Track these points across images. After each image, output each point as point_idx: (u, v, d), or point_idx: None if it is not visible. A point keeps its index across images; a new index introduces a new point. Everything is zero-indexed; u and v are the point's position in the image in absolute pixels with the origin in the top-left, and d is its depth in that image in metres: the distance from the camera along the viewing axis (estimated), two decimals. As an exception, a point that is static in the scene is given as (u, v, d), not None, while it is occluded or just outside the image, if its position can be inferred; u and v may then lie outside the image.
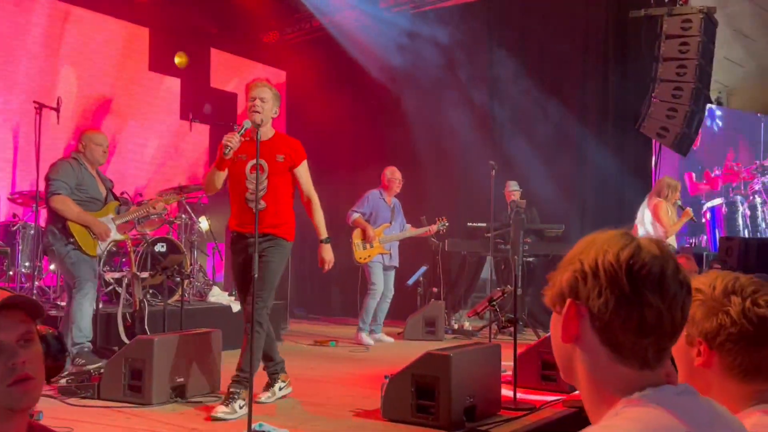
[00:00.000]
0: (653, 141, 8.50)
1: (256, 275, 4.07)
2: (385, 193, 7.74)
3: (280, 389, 4.75)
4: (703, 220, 10.83)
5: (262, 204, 4.46)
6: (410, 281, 8.56)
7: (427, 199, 9.31)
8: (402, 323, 8.16)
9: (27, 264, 6.80)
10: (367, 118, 10.21)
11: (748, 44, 11.20)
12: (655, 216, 7.27)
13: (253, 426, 3.79)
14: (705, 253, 7.53)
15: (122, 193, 6.76)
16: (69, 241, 5.41)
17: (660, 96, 7.67)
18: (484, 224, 8.55)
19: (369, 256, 7.50)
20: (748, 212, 10.87)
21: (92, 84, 8.73)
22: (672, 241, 7.36)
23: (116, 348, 5.43)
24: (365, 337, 7.47)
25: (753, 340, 1.48)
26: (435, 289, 8.59)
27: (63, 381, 4.96)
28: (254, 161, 4.36)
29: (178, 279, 5.98)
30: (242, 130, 4.42)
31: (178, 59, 9.23)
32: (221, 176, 4.58)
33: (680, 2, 8.15)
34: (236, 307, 7.01)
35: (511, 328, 5.07)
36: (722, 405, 1.49)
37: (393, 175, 7.75)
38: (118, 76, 9.01)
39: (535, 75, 9.18)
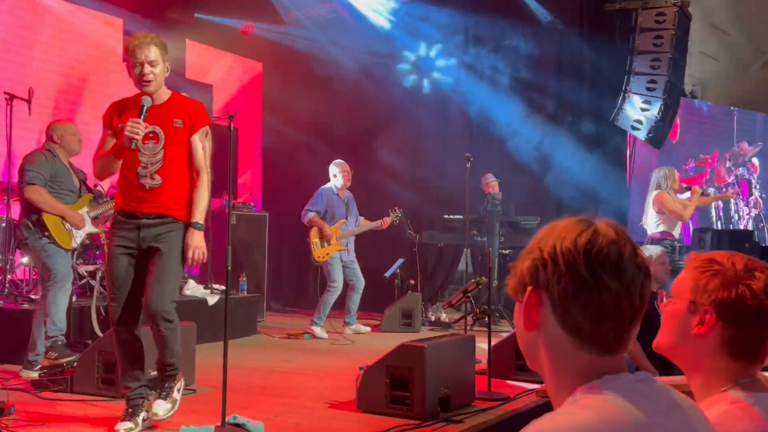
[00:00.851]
0: (628, 134, 8.57)
1: (229, 268, 3.99)
2: (337, 188, 7.69)
3: (178, 390, 4.07)
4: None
5: (157, 179, 3.86)
6: (387, 273, 8.57)
7: (402, 192, 9.31)
8: (379, 315, 8.18)
9: (-1, 257, 6.71)
10: (343, 111, 10.20)
11: (722, 38, 11.31)
12: (664, 207, 7.01)
13: (227, 419, 3.78)
14: (679, 245, 7.61)
15: (96, 186, 6.69)
16: (44, 234, 5.34)
17: (634, 89, 7.74)
18: (461, 216, 8.58)
19: (327, 254, 7.46)
20: (721, 204, 10.99)
21: (65, 75, 8.63)
22: (675, 231, 7.17)
23: (90, 341, 5.39)
24: (319, 331, 7.46)
25: (765, 317, 1.51)
26: (412, 281, 8.62)
27: (36, 375, 4.93)
28: (149, 129, 3.82)
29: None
30: (144, 113, 3.79)
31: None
32: (119, 162, 3.92)
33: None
34: (212, 300, 6.99)
35: (487, 319, 5.10)
36: (705, 379, 1.52)
37: (343, 170, 7.61)
38: (92, 67, 8.91)
39: (511, 67, 9.23)
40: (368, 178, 8.39)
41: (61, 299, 5.33)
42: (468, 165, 7.35)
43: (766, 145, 11.97)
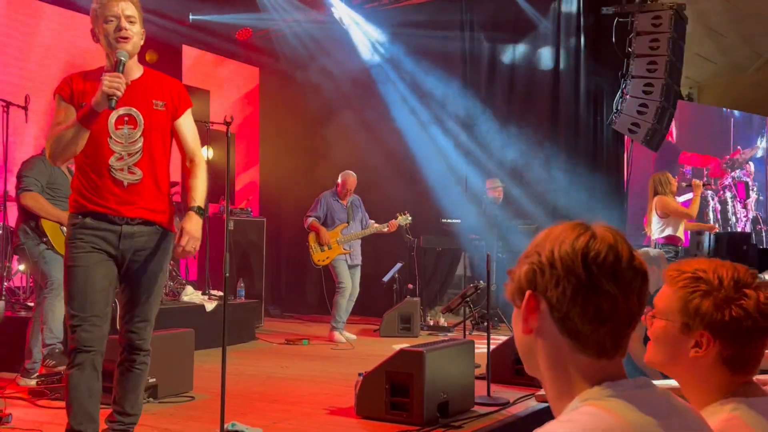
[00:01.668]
0: (625, 137, 8.57)
1: (227, 274, 3.92)
2: (339, 195, 7.73)
3: None
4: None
5: (137, 173, 3.15)
6: (386, 278, 8.56)
7: (401, 197, 9.29)
8: (378, 320, 8.16)
9: (-5, 265, 6.69)
10: (340, 115, 10.19)
11: (718, 40, 11.34)
12: (668, 210, 7.10)
13: (226, 426, 3.77)
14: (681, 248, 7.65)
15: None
16: (42, 241, 5.33)
17: (631, 92, 7.74)
18: (459, 221, 8.57)
19: (327, 258, 7.50)
20: (718, 207, 11.01)
21: (62, 82, 8.62)
22: (680, 233, 7.19)
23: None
24: (339, 336, 7.46)
25: (762, 333, 1.50)
26: (410, 286, 8.61)
27: (33, 383, 4.91)
28: (122, 111, 3.13)
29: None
30: (122, 67, 3.08)
31: (148, 57, 9.13)
32: (85, 136, 3.07)
33: (650, -1, 8.22)
34: (210, 306, 6.97)
35: (486, 324, 5.09)
36: (703, 391, 1.52)
37: (344, 178, 7.70)
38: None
39: (507, 71, 9.23)
40: (366, 183, 8.35)
41: (58, 307, 5.30)
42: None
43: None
